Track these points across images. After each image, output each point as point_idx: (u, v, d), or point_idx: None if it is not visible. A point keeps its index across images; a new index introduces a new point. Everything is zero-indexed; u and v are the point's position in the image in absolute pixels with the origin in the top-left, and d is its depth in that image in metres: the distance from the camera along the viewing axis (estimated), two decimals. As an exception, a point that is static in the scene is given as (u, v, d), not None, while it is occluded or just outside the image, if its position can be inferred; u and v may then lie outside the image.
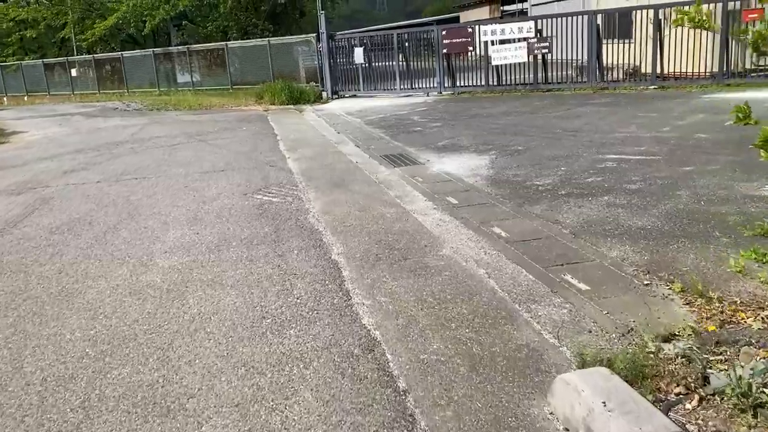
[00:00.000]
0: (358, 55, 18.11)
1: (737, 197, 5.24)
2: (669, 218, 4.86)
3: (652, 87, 14.03)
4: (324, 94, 18.74)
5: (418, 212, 5.64)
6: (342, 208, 5.92)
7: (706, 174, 6.12)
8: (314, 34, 19.15)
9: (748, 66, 13.61)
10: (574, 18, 15.03)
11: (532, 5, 35.91)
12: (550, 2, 32.38)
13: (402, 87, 17.82)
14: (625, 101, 12.51)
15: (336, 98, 18.59)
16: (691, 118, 9.65)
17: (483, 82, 16.44)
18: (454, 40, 16.51)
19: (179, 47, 25.22)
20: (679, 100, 11.84)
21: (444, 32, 16.69)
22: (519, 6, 39.94)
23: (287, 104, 17.76)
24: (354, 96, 18.61)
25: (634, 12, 14.96)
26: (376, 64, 18.54)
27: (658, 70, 14.14)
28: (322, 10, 18.96)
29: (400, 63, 17.81)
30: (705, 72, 13.67)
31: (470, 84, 16.84)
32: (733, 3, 12.83)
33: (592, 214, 5.17)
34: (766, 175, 5.83)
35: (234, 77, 22.16)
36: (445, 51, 16.67)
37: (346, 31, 22.21)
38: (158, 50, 25.29)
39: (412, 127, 11.36)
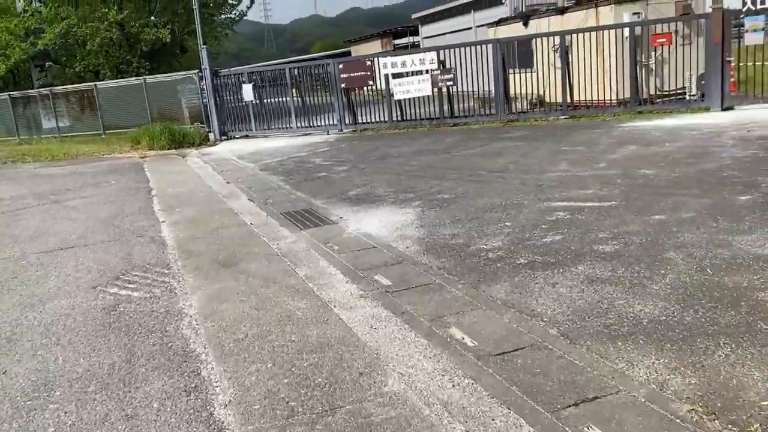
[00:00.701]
0: (247, 91, 16.40)
1: (747, 259, 4.11)
2: (681, 300, 3.61)
3: (564, 117, 13.40)
4: (211, 136, 16.83)
5: (341, 305, 4.07)
6: (232, 306, 4.24)
7: (685, 225, 5.01)
8: (197, 71, 17.25)
9: (652, 92, 13.31)
10: (478, 47, 14.23)
11: (424, 38, 35.86)
12: (442, 34, 32.35)
13: (299, 125, 16.28)
14: (541, 134, 11.67)
15: (225, 140, 16.73)
16: (622, 150, 8.80)
17: (386, 118, 15.23)
18: (353, 74, 15.23)
19: (41, 89, 22.28)
20: (597, 130, 11.14)
21: (341, 66, 15.39)
22: (411, 39, 39.91)
23: (168, 149, 15.67)
24: (245, 137, 16.83)
25: (534, 40, 14.42)
26: (269, 101, 16.91)
27: (568, 99, 13.55)
28: (204, 44, 17.13)
29: (295, 99, 16.30)
30: (613, 99, 13.22)
31: (373, 120, 15.59)
32: (640, 27, 12.48)
33: (575, 297, 3.83)
34: (758, 223, 4.80)
35: (106, 121, 19.67)
36: (343, 86, 15.35)
37: (233, 68, 20.45)
38: (15, 93, 22.20)
39: (316, 173, 9.83)
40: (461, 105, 14.79)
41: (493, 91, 14.21)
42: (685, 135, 9.55)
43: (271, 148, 13.86)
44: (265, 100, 16.77)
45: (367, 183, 8.45)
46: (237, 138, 16.78)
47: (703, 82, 13.91)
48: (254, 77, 16.61)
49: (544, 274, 4.26)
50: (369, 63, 15.30)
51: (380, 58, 15.26)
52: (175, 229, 6.75)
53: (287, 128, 16.38)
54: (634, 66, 12.49)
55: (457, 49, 14.45)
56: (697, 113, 11.76)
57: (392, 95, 14.88)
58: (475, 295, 4.02)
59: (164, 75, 19.29)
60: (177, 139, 15.90)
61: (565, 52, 13.17)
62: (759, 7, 10.91)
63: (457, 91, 14.75)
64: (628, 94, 12.95)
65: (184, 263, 5.40)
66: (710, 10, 11.41)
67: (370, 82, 15.23)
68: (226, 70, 17.82)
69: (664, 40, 11.87)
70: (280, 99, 16.60)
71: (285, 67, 16.45)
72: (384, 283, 4.40)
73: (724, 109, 11.62)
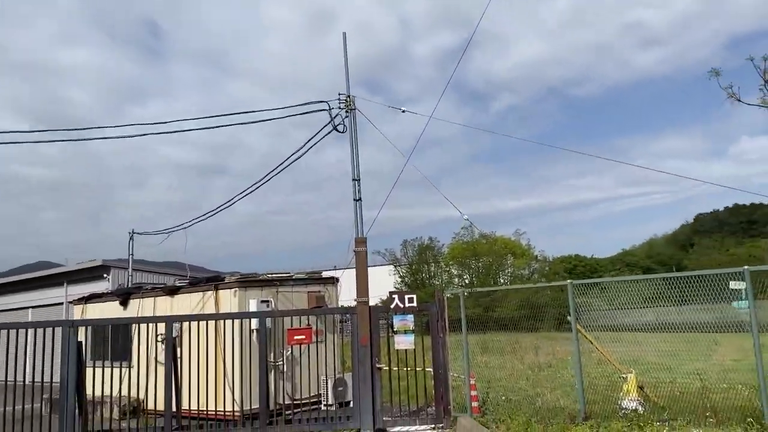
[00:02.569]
0: None
1: None
2: None
3: (166, 441, 9.00)
4: None
5: None
6: None
7: None
8: None
9: (282, 401, 10.12)
10: (41, 331, 9.37)
11: (-3, 310, 28.00)
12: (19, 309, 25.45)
13: None
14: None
15: None
16: None
17: None
18: None
19: None
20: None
21: None
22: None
23: None
24: None
25: (134, 326, 10.39)
26: None
27: (175, 407, 9.34)
28: None
29: None
30: (236, 412, 9.53)
31: None
32: (273, 320, 9.64)
33: None
34: None
35: None
36: None
37: None
38: None
39: None
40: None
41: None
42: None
43: None
44: None
45: None
46: None
47: (340, 389, 11.53)
48: None
49: None
50: None
51: None
52: None
53: None
54: (265, 368, 9.29)
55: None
56: (348, 437, 8.80)
57: None
58: None
59: None
60: None
61: (171, 343, 9.35)
62: (407, 305, 9.20)
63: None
64: (256, 405, 9.46)
65: None
66: (353, 302, 9.31)
67: None
68: None
69: (303, 336, 9.14)
70: None
71: None
72: None
73: (376, 431, 8.95)
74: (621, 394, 8.41)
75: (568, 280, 8.39)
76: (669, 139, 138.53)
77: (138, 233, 19.40)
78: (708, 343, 7.84)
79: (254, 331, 10.30)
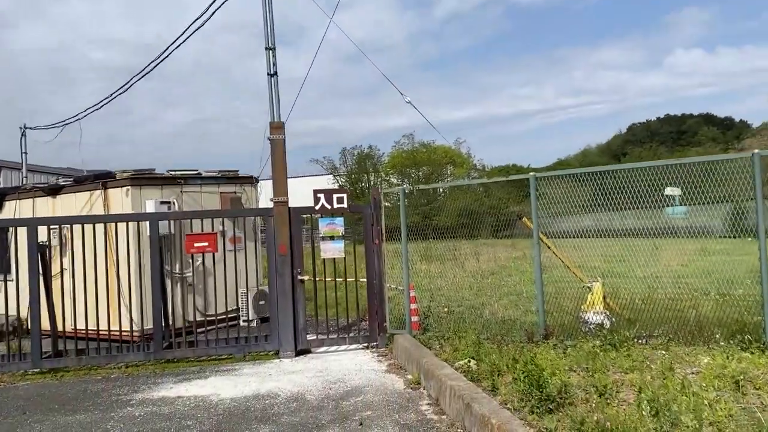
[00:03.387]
0: None
1: None
2: None
3: (34, 372, 7.32)
4: None
5: None
6: None
7: None
8: None
9: (195, 318, 8.55)
10: None
11: None
12: None
13: None
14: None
15: None
16: None
17: None
18: None
19: None
20: (81, 415, 5.47)
21: None
22: None
23: None
24: None
25: (11, 231, 8.49)
26: None
27: (51, 327, 7.63)
28: None
29: None
30: (135, 333, 7.91)
31: None
32: (176, 225, 7.86)
33: None
34: None
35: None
36: None
37: None
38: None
39: None
40: None
41: None
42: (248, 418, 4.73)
43: None
44: None
45: None
46: None
47: (261, 303, 10.03)
48: None
49: None
50: None
51: None
52: None
53: None
54: (160, 281, 7.61)
55: None
56: (264, 362, 7.34)
57: None
58: None
59: None
60: None
61: (37, 251, 7.45)
62: (336, 206, 7.58)
63: None
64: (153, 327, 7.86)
65: None
66: (271, 204, 7.60)
67: None
68: None
69: (205, 244, 7.43)
70: None
71: None
72: None
73: (299, 353, 7.55)
74: (584, 306, 7.24)
75: (531, 173, 6.93)
76: (607, 50, 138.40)
77: (30, 128, 16.72)
78: (649, 248, 7.01)
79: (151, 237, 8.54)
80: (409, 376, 6.19)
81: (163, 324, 7.76)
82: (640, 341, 6.08)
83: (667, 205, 6.53)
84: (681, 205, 6.43)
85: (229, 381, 6.46)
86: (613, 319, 7.00)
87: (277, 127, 7.58)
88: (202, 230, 7.78)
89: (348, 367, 6.81)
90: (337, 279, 8.29)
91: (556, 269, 7.84)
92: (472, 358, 5.73)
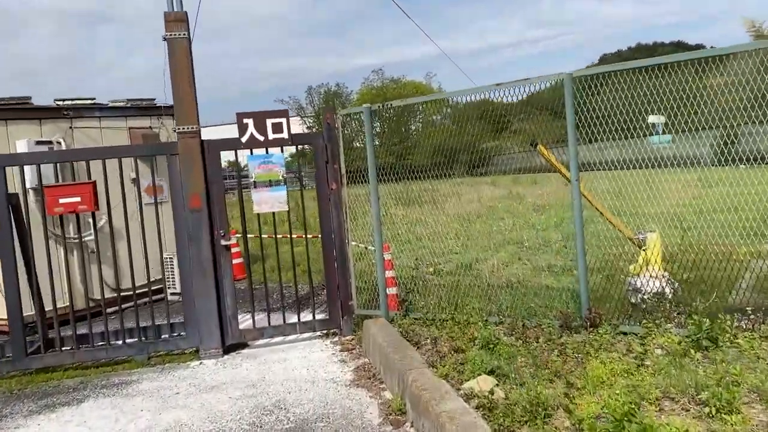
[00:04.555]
0: None
1: None
2: None
3: None
4: None
5: None
6: None
7: None
8: None
9: (103, 295, 6.17)
10: None
11: None
12: None
13: None
14: None
15: None
16: None
17: None
18: None
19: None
20: None
21: None
22: None
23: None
24: None
25: None
26: None
27: None
28: None
29: None
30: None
31: None
32: (53, 167, 5.38)
33: None
34: None
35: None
36: None
37: None
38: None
39: None
40: None
41: None
42: None
43: None
44: None
45: None
46: None
47: (192, 270, 7.69)
48: None
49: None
50: None
51: None
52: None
53: None
54: (15, 254, 5.18)
55: None
56: (176, 368, 5.07)
57: None
58: None
59: None
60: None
61: None
62: (272, 136, 5.16)
63: None
64: (48, 306, 5.48)
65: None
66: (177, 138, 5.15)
67: None
68: None
69: (77, 200, 4.98)
70: None
71: None
72: None
73: (228, 349, 5.29)
74: (633, 267, 5.08)
75: (566, 72, 4.60)
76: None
77: None
78: (645, 180, 5.11)
79: (30, 190, 6.07)
80: (387, 394, 3.99)
81: (39, 315, 5.40)
82: (745, 326, 3.93)
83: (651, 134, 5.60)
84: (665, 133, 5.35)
85: (111, 410, 4.18)
86: (677, 285, 4.87)
87: (176, 20, 5.04)
88: (106, 178, 5.29)
89: (296, 375, 4.58)
90: (275, 236, 5.99)
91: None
92: (490, 372, 3.53)
